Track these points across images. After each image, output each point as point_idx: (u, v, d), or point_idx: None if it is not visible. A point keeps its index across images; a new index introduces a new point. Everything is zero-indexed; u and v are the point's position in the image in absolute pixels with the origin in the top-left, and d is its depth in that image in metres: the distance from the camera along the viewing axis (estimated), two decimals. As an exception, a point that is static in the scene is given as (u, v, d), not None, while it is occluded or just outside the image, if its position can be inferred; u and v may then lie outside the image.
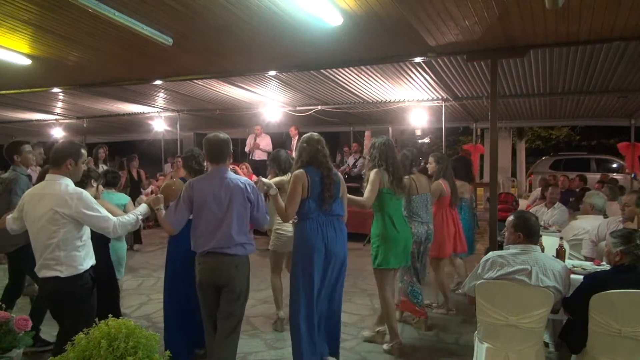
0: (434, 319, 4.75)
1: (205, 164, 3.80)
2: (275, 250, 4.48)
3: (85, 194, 2.90)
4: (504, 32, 4.47)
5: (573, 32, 4.46)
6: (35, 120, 11.74)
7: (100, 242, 3.56)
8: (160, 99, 9.16)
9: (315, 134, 3.51)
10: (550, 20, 4.14)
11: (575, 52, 5.46)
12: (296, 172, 3.35)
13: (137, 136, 14.18)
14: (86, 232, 2.99)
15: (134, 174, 8.42)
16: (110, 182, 4.63)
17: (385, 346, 4.01)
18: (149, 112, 10.63)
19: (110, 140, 14.69)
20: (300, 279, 3.33)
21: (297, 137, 9.91)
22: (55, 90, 7.70)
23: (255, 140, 10.37)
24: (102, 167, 7.39)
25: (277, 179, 4.29)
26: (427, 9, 3.89)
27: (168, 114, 10.64)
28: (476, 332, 3.03)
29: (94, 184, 3.79)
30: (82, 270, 2.90)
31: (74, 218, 2.82)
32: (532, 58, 5.70)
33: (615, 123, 11.62)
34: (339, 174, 3.57)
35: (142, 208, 3.19)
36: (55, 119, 11.73)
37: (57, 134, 12.54)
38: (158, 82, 6.91)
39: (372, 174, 3.87)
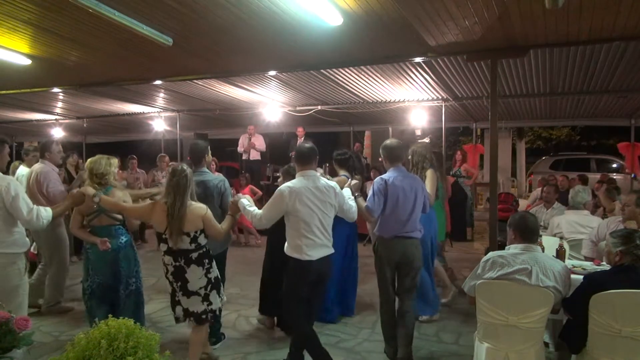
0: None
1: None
2: None
3: None
4: (504, 32, 4.47)
5: (573, 32, 4.46)
6: (35, 120, 11.72)
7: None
8: (160, 99, 9.15)
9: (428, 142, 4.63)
10: (550, 20, 4.14)
11: (575, 52, 5.45)
12: (429, 171, 4.54)
13: (137, 136, 14.13)
14: None
15: (72, 171, 8.11)
16: None
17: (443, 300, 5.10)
18: (149, 112, 10.61)
19: (110, 140, 14.67)
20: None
21: (302, 138, 10.13)
22: (55, 90, 7.68)
23: (249, 140, 10.39)
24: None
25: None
26: (427, 9, 3.89)
27: (168, 114, 10.62)
28: (476, 332, 3.04)
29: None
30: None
31: (335, 205, 3.43)
32: (532, 58, 5.69)
33: (615, 123, 11.60)
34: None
35: (347, 192, 3.71)
36: (55, 119, 11.70)
37: (57, 134, 12.52)
38: (158, 82, 6.90)
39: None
